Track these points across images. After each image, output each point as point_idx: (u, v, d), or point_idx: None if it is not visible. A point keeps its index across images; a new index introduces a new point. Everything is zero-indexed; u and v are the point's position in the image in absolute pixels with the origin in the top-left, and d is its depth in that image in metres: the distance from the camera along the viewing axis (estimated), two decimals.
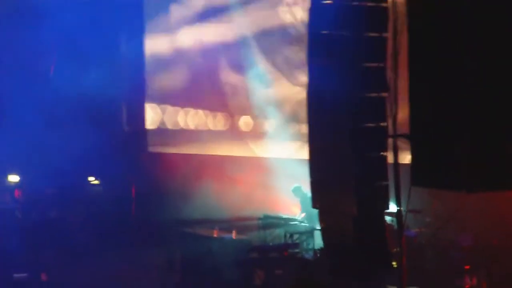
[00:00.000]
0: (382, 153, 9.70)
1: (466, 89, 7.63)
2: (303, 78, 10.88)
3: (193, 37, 18.83)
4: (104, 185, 19.43)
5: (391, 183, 9.66)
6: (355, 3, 9.63)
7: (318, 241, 13.64)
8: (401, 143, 9.54)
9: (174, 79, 19.28)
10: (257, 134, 17.82)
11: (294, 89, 16.89)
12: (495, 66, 7.62)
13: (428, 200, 12.87)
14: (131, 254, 16.19)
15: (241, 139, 18.12)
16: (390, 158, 9.71)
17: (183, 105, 19.21)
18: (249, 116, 17.98)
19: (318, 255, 13.58)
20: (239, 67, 18.05)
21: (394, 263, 10.26)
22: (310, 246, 14.36)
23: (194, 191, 17.46)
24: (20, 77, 17.87)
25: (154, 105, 19.67)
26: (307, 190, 12.41)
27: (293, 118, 16.82)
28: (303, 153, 10.90)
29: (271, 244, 14.71)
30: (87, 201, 18.69)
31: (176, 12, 19.14)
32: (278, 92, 17.44)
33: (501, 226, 13.24)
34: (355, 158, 9.69)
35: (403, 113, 9.17)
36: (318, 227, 11.94)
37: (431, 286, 12.11)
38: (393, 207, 9.94)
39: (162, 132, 19.56)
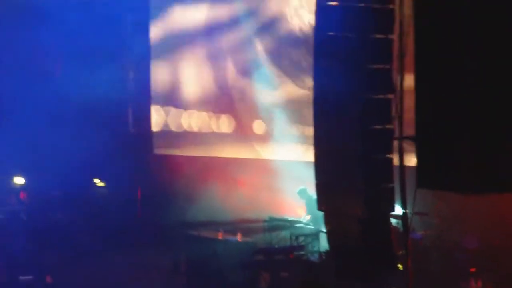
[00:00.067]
0: (387, 155, 9.68)
1: (472, 91, 7.62)
2: (310, 81, 10.87)
3: (198, 39, 18.83)
4: (109, 187, 19.46)
5: (396, 185, 9.65)
6: (361, 5, 9.63)
7: (323, 243, 13.61)
8: (407, 145, 9.54)
9: (178, 81, 19.29)
10: (263, 136, 17.81)
11: (301, 92, 16.88)
12: (501, 68, 7.62)
13: (434, 202, 12.84)
14: (136, 256, 16.20)
15: (246, 141, 18.11)
16: (395, 160, 9.70)
17: (186, 107, 19.22)
18: (255, 119, 17.97)
19: (324, 257, 13.56)
20: (245, 70, 18.04)
21: (399, 265, 10.26)
22: (316, 248, 14.34)
23: (199, 193, 17.46)
24: (26, 79, 17.90)
25: (158, 107, 19.69)
26: (312, 192, 12.39)
27: (299, 120, 16.80)
28: (309, 155, 10.89)
29: (276, 246, 14.71)
30: (92, 203, 18.70)
31: (181, 13, 19.14)
32: (284, 94, 17.43)
33: (506, 228, 13.22)
34: (360, 160, 9.69)
35: (409, 115, 9.16)
36: (324, 229, 11.95)
37: None
38: (398, 210, 9.93)
39: (166, 134, 19.56)
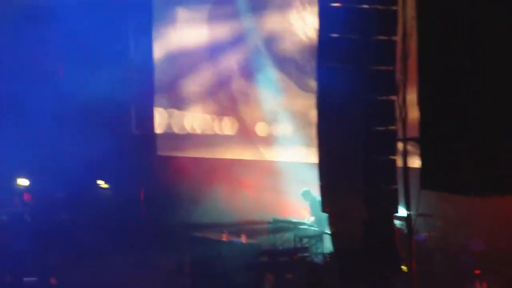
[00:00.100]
0: (391, 156, 9.66)
1: (473, 92, 7.60)
2: (313, 84, 10.86)
3: (202, 42, 18.83)
4: (113, 188, 19.47)
5: (400, 187, 9.63)
6: (364, 6, 9.61)
7: (327, 245, 13.61)
8: (411, 147, 9.51)
9: (181, 83, 19.29)
10: (266, 138, 17.80)
11: (304, 95, 16.86)
12: (503, 69, 7.60)
13: (438, 204, 12.82)
14: (140, 257, 16.19)
15: (250, 143, 18.10)
16: (399, 162, 9.68)
17: (189, 109, 19.21)
18: (258, 121, 17.95)
19: (328, 259, 13.54)
20: (249, 72, 18.03)
21: (403, 267, 10.24)
22: (320, 250, 14.32)
23: (204, 194, 17.46)
24: (29, 81, 17.92)
25: (161, 109, 19.69)
26: (316, 194, 12.39)
27: (303, 123, 16.78)
28: (313, 157, 10.88)
29: (280, 248, 14.72)
30: (96, 205, 18.72)
31: (185, 16, 19.14)
32: (287, 97, 17.41)
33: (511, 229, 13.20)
34: (364, 162, 9.67)
35: (412, 116, 9.14)
36: (328, 231, 11.94)
37: None
38: (402, 211, 9.91)
39: (169, 136, 19.57)
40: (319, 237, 14.48)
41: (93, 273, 15.30)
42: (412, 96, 8.96)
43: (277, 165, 17.02)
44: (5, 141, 17.02)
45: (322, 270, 13.44)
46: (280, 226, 15.28)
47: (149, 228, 18.31)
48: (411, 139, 9.32)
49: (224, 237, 14.70)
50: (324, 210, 10.49)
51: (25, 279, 14.93)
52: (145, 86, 19.74)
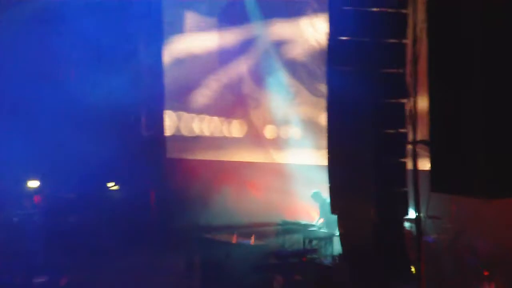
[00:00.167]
0: (401, 159, 9.69)
1: (486, 95, 7.63)
2: (323, 89, 10.90)
3: (212, 47, 18.88)
4: (123, 190, 19.51)
5: (410, 189, 9.66)
6: (374, 9, 9.65)
7: (336, 246, 13.65)
8: (420, 149, 9.54)
9: (191, 86, 19.34)
10: (276, 140, 17.84)
11: (314, 99, 16.91)
12: None
13: (447, 206, 12.85)
14: (150, 259, 16.25)
15: (259, 145, 18.14)
16: (410, 165, 9.71)
17: (198, 112, 19.26)
18: (267, 124, 18.00)
19: (337, 260, 13.56)
20: (259, 77, 18.07)
21: (412, 269, 10.26)
22: (329, 252, 14.36)
23: (213, 196, 17.51)
24: (40, 84, 17.97)
25: (170, 112, 19.74)
26: (326, 195, 12.43)
27: (312, 126, 16.81)
28: (322, 159, 10.91)
29: (290, 249, 14.75)
30: (106, 207, 18.76)
31: (195, 20, 19.19)
32: (298, 101, 17.45)
33: None
34: (374, 164, 9.70)
35: (422, 119, 9.17)
36: (337, 233, 11.97)
37: None
38: (412, 213, 9.94)
39: (179, 138, 19.61)
40: (328, 238, 14.52)
41: (103, 274, 15.37)
42: (422, 99, 9.01)
43: (286, 167, 17.06)
44: (16, 143, 17.07)
45: (331, 271, 13.45)
46: (289, 228, 15.32)
47: (159, 229, 18.36)
48: (421, 141, 9.35)
49: (234, 239, 14.71)
50: (333, 212, 10.51)
51: (36, 280, 14.99)
52: (155, 89, 19.79)
